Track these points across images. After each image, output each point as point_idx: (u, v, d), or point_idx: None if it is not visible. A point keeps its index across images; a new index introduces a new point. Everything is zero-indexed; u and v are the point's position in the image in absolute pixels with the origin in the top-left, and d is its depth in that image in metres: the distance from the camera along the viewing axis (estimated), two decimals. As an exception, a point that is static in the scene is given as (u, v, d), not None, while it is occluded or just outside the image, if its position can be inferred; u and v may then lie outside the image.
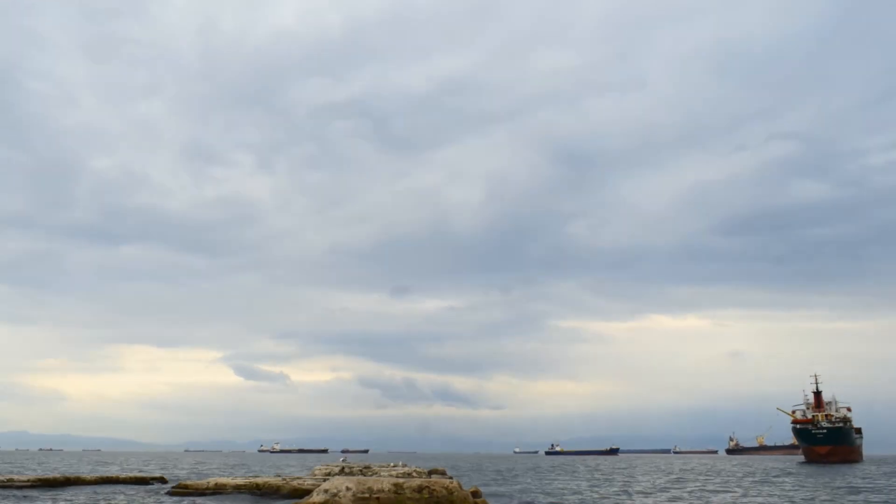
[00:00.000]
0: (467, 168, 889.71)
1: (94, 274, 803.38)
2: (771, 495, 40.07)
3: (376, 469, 37.60)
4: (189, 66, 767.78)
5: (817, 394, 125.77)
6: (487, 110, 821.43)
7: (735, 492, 43.05)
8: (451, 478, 30.93)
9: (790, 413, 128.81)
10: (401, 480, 26.96)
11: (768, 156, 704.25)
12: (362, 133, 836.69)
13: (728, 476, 65.49)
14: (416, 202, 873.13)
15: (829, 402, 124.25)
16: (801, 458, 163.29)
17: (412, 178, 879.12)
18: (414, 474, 35.74)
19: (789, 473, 72.10)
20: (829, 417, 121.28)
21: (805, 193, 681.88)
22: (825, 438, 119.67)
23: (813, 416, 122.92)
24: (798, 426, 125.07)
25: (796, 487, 47.75)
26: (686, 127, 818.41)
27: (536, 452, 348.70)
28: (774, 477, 63.70)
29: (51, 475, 45.63)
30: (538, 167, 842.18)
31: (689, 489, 45.03)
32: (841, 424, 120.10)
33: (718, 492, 43.28)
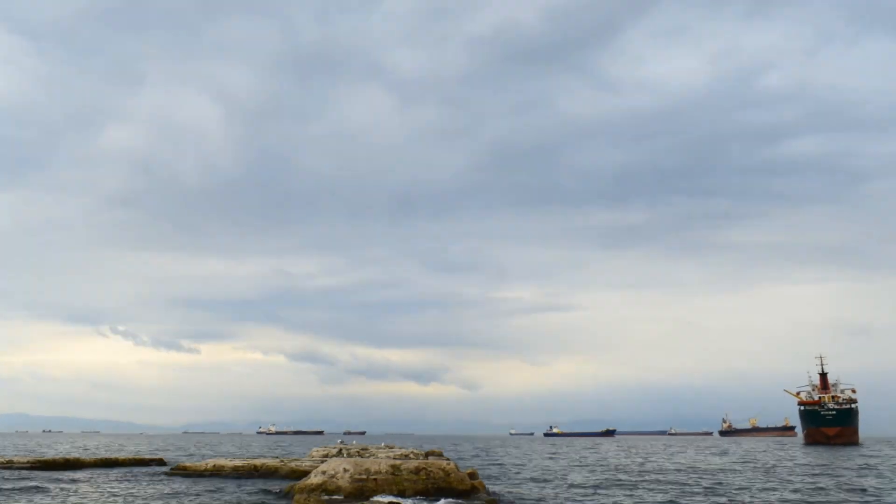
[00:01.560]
0: (184, 84, 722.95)
1: None
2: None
3: (374, 451, 37.87)
4: None
5: (823, 375, 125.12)
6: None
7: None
8: (448, 459, 31.19)
9: (795, 394, 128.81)
10: (398, 462, 27.17)
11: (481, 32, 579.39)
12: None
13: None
14: (152, 131, 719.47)
15: (834, 384, 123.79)
16: (797, 439, 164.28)
17: (127, 99, 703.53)
18: (411, 456, 36.02)
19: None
20: (835, 399, 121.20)
21: (573, 108, 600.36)
22: (834, 420, 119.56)
23: (820, 397, 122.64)
24: (805, 407, 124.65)
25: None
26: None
27: (532, 434, 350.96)
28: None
29: (50, 457, 45.93)
30: (265, 75, 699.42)
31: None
32: (848, 406, 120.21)
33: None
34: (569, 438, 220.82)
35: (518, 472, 43.86)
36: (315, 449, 43.41)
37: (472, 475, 29.42)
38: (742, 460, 59.56)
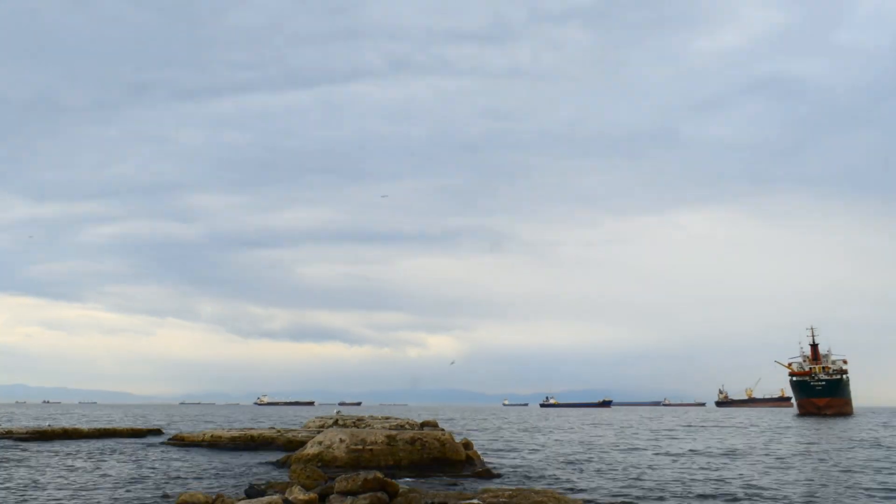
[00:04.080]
0: None
1: None
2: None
3: (369, 421, 38.13)
4: None
5: (814, 346, 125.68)
6: None
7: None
8: (443, 430, 31.44)
9: (787, 365, 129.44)
10: (394, 433, 27.39)
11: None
12: None
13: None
14: None
15: (825, 355, 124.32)
16: (792, 410, 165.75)
17: None
18: (407, 426, 36.29)
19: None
20: (826, 369, 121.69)
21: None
22: (823, 390, 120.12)
23: (810, 368, 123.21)
24: (795, 378, 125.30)
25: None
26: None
27: (526, 405, 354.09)
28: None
29: (49, 427, 46.22)
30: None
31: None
32: (839, 377, 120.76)
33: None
34: (565, 409, 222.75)
35: (512, 443, 44.35)
36: (311, 419, 43.72)
37: (467, 445, 29.70)
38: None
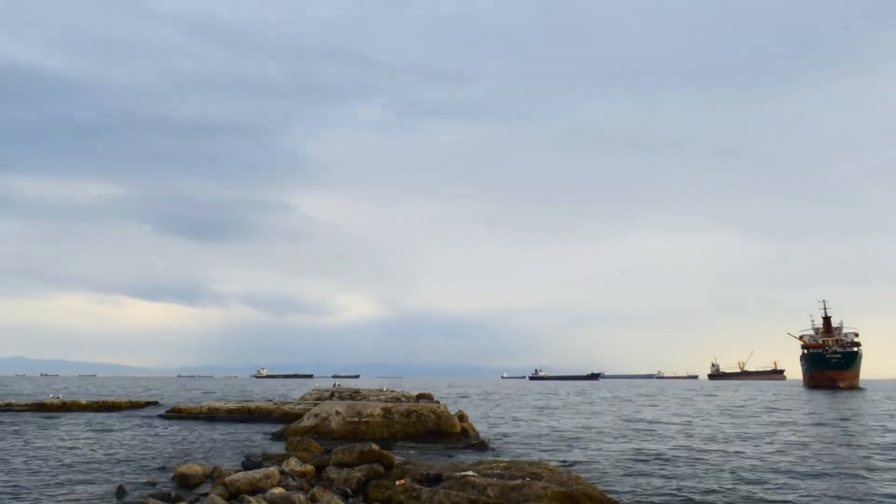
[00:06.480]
0: None
1: None
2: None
3: (366, 394, 38.50)
4: None
5: (826, 319, 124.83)
6: None
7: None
8: (438, 402, 31.77)
9: (798, 337, 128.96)
10: (389, 405, 27.68)
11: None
12: None
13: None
14: None
15: (838, 327, 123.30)
16: (787, 382, 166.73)
17: None
18: (403, 399, 36.66)
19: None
20: (840, 342, 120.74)
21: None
22: (838, 363, 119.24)
23: (824, 340, 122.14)
24: (809, 351, 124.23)
25: None
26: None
27: (524, 378, 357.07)
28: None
29: (47, 400, 46.54)
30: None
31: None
32: (853, 349, 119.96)
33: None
34: (554, 382, 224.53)
35: (507, 415, 44.80)
36: (308, 392, 44.10)
37: (462, 417, 30.04)
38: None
